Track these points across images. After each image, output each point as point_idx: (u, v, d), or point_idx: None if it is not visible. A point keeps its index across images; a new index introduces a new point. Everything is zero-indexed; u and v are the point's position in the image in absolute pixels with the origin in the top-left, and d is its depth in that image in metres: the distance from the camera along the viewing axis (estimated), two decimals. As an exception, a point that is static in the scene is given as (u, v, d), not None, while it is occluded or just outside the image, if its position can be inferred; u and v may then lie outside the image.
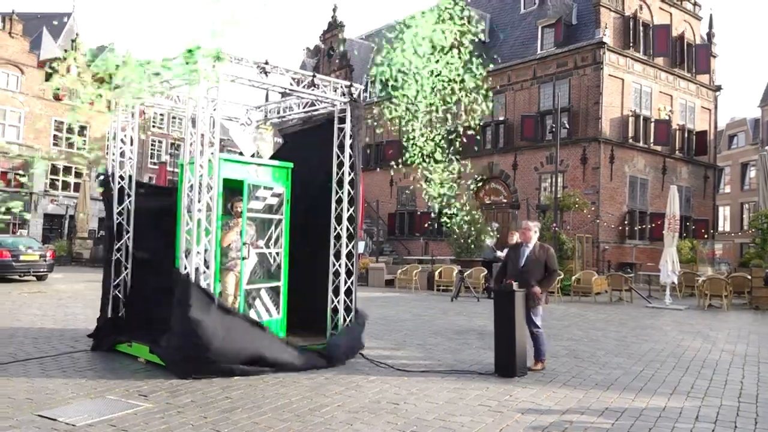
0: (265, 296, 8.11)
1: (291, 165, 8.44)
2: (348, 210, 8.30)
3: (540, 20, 28.01)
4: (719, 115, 31.70)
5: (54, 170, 40.11)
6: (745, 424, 5.40)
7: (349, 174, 8.30)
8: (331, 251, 8.32)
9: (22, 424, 4.93)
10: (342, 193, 8.28)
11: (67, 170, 40.71)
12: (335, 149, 8.45)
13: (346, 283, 8.28)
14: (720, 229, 41.58)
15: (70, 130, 40.68)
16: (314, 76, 8.10)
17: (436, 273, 20.51)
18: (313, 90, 8.07)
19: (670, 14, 28.37)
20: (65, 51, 41.73)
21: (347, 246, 8.28)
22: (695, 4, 29.99)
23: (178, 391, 6.08)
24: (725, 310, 15.41)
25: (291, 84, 7.89)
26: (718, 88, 30.72)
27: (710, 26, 30.92)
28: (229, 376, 6.59)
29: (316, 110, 9.00)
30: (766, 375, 7.50)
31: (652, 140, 27.01)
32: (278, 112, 9.73)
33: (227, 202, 7.80)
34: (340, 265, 8.25)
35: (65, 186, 40.43)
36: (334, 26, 37.52)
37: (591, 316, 13.60)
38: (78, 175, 40.22)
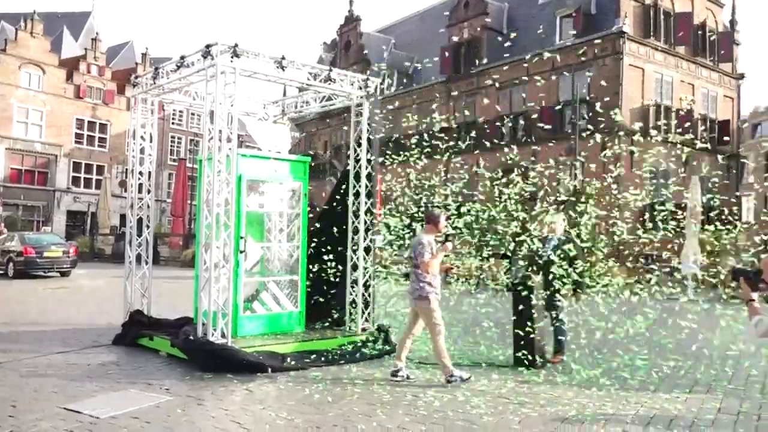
0: (276, 289, 8.16)
1: (309, 159, 8.48)
2: (366, 203, 8.30)
3: (558, 10, 27.68)
4: (742, 104, 31.16)
5: (76, 167, 40.64)
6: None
7: (366, 167, 8.30)
8: (349, 245, 8.34)
9: (47, 417, 5.02)
10: (359, 186, 8.29)
11: (88, 168, 41.22)
12: (352, 143, 8.45)
13: (364, 276, 8.30)
14: (744, 219, 40.86)
15: (91, 128, 41.18)
16: (331, 70, 8.11)
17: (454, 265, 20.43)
18: (329, 84, 8.08)
19: (692, 2, 27.88)
20: (85, 50, 42.21)
21: (365, 240, 8.29)
22: (717, -9, 29.48)
23: (198, 385, 6.15)
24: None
25: (308, 78, 7.91)
26: (741, 77, 30.19)
27: (733, 13, 30.38)
28: (252, 371, 6.56)
29: (333, 104, 9.02)
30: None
31: (673, 130, 26.61)
32: (295, 107, 9.76)
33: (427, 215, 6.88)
34: (358, 259, 8.27)
35: (87, 183, 40.95)
36: (351, 20, 37.48)
37: (610, 309, 13.44)
38: (99, 172, 40.75)
